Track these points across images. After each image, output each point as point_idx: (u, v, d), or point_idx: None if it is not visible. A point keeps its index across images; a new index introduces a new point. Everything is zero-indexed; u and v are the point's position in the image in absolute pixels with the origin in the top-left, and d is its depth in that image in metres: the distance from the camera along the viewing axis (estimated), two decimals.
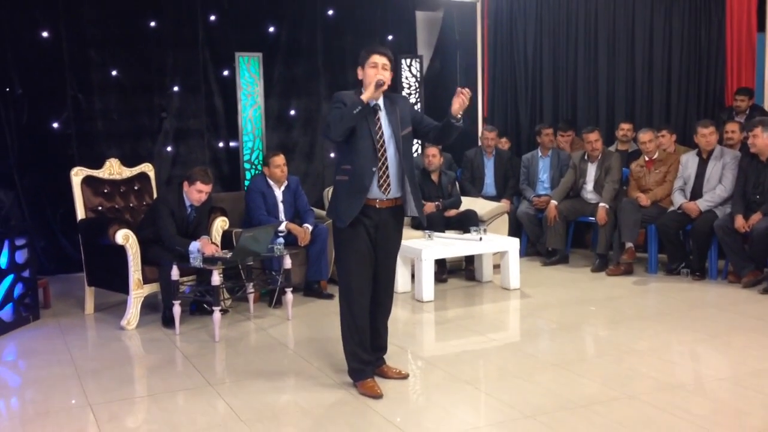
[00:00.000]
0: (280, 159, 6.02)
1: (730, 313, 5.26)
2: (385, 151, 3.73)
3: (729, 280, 6.09)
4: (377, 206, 3.75)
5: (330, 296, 5.89)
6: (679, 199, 6.37)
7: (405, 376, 4.02)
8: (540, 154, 7.62)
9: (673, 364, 4.25)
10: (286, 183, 6.08)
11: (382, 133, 3.74)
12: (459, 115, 3.72)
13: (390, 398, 3.72)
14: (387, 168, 3.73)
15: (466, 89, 3.69)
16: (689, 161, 6.44)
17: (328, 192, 7.01)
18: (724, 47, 7.25)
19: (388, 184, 3.75)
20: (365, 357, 3.84)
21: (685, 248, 6.45)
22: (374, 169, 3.70)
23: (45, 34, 6.71)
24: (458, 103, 3.68)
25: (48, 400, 3.85)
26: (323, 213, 6.63)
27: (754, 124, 5.92)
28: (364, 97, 3.63)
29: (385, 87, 3.70)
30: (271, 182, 6.04)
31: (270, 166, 6.01)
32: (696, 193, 6.32)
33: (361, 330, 3.81)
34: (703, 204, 6.20)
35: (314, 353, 4.51)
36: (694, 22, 7.40)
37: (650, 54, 7.62)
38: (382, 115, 3.76)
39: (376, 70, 3.69)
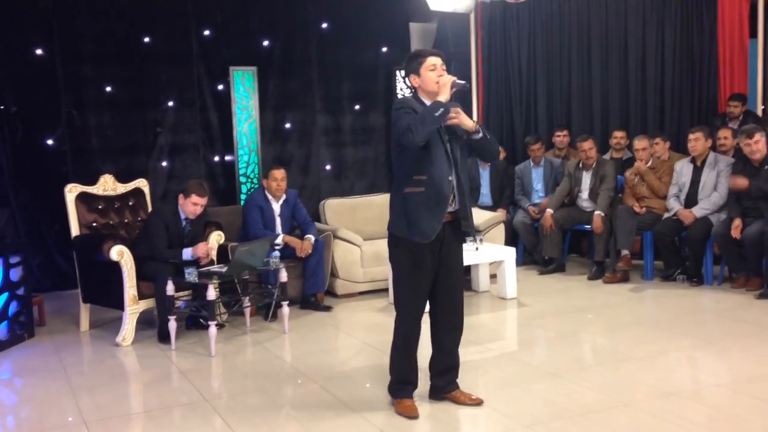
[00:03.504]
0: (279, 173, 6.01)
1: (727, 319, 5.26)
2: (455, 158, 3.57)
3: (732, 286, 6.08)
4: (444, 219, 3.54)
5: (328, 308, 5.89)
6: (674, 206, 6.38)
7: (479, 402, 3.75)
8: (532, 164, 7.63)
9: (670, 371, 4.24)
10: (284, 197, 6.08)
11: (448, 138, 3.55)
12: (474, 128, 3.53)
13: (387, 411, 3.71)
14: (458, 178, 3.56)
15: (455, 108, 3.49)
16: (684, 168, 6.45)
17: (324, 205, 6.98)
18: (717, 54, 7.28)
19: (455, 195, 3.56)
20: (410, 378, 3.71)
21: (681, 254, 6.45)
22: (451, 178, 3.52)
23: (39, 51, 6.71)
24: (459, 121, 3.51)
25: (44, 418, 3.83)
26: (322, 226, 6.63)
27: (753, 131, 5.87)
28: (442, 99, 3.40)
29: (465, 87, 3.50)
30: (269, 196, 6.04)
31: (269, 179, 6.02)
32: (691, 200, 6.33)
33: (413, 349, 3.68)
34: (698, 211, 6.20)
35: (311, 366, 4.50)
36: (686, 29, 7.43)
37: (643, 62, 7.65)
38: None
39: (437, 72, 3.52)
